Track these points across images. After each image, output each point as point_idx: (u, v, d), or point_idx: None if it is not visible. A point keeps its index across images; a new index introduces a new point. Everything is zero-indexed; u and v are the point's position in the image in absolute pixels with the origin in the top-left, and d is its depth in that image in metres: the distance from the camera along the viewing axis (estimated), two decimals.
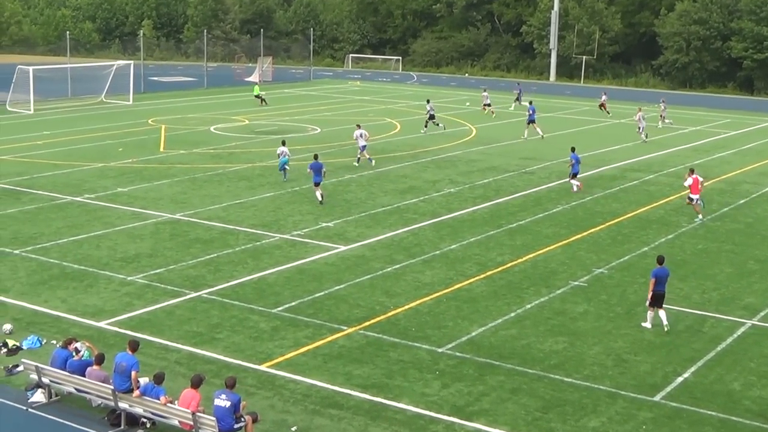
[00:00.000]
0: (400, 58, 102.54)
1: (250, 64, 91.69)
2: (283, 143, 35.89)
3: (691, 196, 30.59)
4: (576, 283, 23.62)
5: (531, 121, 48.65)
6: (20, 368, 16.96)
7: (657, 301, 20.23)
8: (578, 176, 35.03)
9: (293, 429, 15.26)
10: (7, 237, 26.42)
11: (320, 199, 31.37)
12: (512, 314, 21.14)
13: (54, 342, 18.20)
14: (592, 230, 29.18)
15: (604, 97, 62.17)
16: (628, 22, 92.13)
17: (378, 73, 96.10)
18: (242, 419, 14.44)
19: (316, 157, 32.66)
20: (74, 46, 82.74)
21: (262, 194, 32.99)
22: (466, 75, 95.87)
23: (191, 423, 14.41)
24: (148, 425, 15.27)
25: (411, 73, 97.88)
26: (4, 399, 16.16)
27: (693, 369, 18.24)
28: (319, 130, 50.34)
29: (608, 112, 60.68)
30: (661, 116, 55.51)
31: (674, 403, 16.66)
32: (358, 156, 38.77)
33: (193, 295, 21.82)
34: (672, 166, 41.26)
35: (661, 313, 20.21)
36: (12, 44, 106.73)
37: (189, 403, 14.52)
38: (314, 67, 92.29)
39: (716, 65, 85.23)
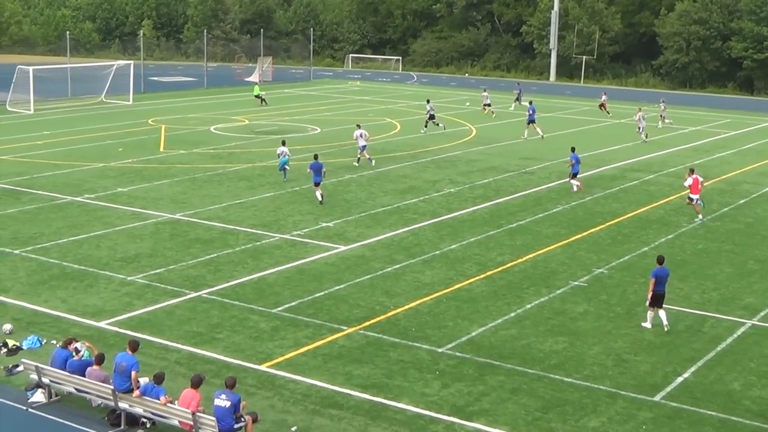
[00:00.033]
0: (400, 58, 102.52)
1: (250, 64, 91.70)
2: (283, 143, 35.90)
3: (691, 196, 30.61)
4: (576, 283, 23.62)
5: (531, 121, 48.64)
6: (20, 368, 16.96)
7: (657, 301, 20.23)
8: (578, 176, 35.03)
9: (293, 429, 15.26)
10: (7, 237, 26.42)
11: (320, 199, 31.37)
12: (512, 314, 21.14)
13: (54, 342, 18.19)
14: (592, 230, 29.17)
15: (604, 97, 62.16)
16: (628, 22, 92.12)
17: (378, 73, 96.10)
18: (242, 419, 14.44)
19: (316, 157, 32.66)
20: (74, 46, 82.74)
21: (262, 194, 32.99)
22: (466, 75, 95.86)
23: (191, 423, 14.41)
24: (148, 425, 15.26)
25: (411, 73, 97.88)
26: (4, 399, 16.15)
27: (693, 369, 18.24)
28: (319, 130, 50.34)
29: (608, 112, 60.67)
30: (661, 116, 55.52)
31: (674, 403, 16.66)
32: (358, 156, 38.77)
33: (193, 295, 21.81)
34: (672, 166, 41.25)
35: (661, 313, 20.21)
36: (12, 44, 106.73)
37: (189, 403, 14.52)
38: (314, 67, 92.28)
39: (716, 65, 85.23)
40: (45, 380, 16.02)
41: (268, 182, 35.11)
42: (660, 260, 20.67)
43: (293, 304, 21.32)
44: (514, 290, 22.92)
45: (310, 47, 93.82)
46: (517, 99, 63.13)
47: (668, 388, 17.28)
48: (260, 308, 20.97)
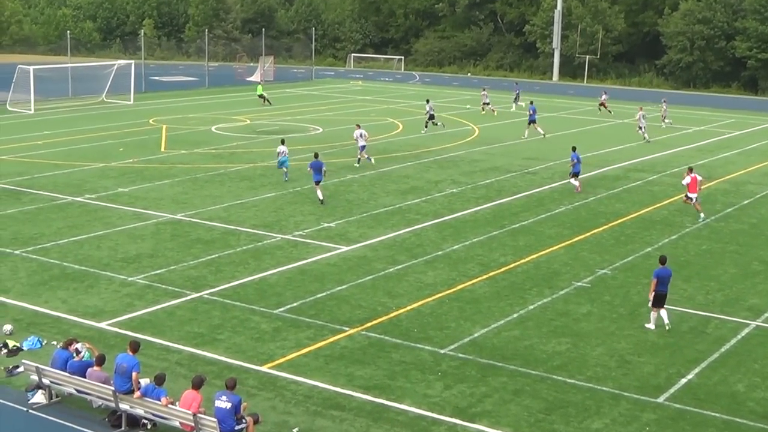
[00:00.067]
0: (403, 57, 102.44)
1: (252, 64, 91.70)
2: (282, 142, 35.82)
3: (689, 194, 30.62)
4: (579, 283, 23.52)
5: (532, 121, 48.55)
6: (21, 369, 16.91)
7: (659, 302, 20.14)
8: (580, 176, 34.90)
9: (295, 430, 15.18)
10: (8, 237, 26.35)
11: (321, 198, 31.29)
12: (515, 315, 21.05)
13: (54, 343, 18.13)
14: (595, 231, 29.07)
15: (604, 96, 62.01)
16: (632, 22, 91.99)
17: (380, 73, 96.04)
18: (243, 420, 14.38)
19: (316, 155, 32.60)
20: (75, 45, 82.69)
21: (263, 194, 32.91)
22: (469, 75, 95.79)
23: (192, 424, 14.35)
24: (149, 426, 15.20)
25: (413, 72, 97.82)
26: (4, 400, 16.09)
27: (697, 370, 18.14)
28: (320, 129, 50.27)
29: (610, 111, 60.54)
30: (662, 117, 55.40)
31: (678, 405, 16.56)
32: (359, 156, 38.68)
33: (195, 295, 21.74)
34: (676, 166, 41.12)
35: (663, 313, 20.13)
36: (12, 44, 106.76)
37: (190, 405, 14.46)
38: (316, 67, 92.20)
39: (720, 65, 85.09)
40: (45, 381, 15.96)
41: (270, 182, 35.04)
42: (662, 260, 20.57)
43: (295, 304, 21.24)
44: (516, 291, 22.82)
45: (312, 47, 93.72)
46: (515, 100, 62.78)
47: (672, 390, 17.19)
48: (262, 309, 20.89)
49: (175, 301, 21.32)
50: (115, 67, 64.39)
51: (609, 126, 56.14)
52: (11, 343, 18.31)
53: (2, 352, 18.00)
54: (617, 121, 57.93)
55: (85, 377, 15.56)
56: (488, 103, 59.44)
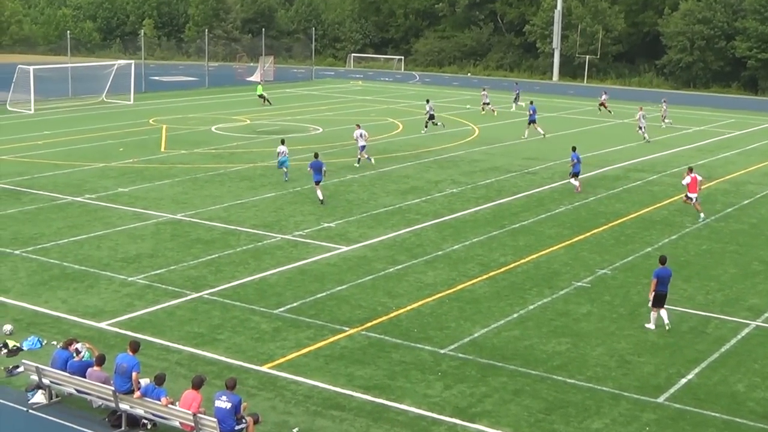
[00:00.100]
0: (403, 57, 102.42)
1: (252, 64, 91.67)
2: (282, 142, 35.82)
3: (689, 194, 30.64)
4: (579, 284, 23.52)
5: (532, 121, 48.55)
6: (21, 369, 16.90)
7: (659, 302, 20.13)
8: (580, 176, 34.90)
9: (295, 430, 15.18)
10: (8, 237, 26.35)
11: (321, 198, 31.28)
12: (515, 315, 21.04)
13: (54, 343, 18.12)
14: (595, 231, 29.07)
15: (604, 96, 61.99)
16: (632, 22, 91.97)
17: (380, 73, 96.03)
18: (243, 420, 14.37)
19: (316, 155, 32.61)
20: (75, 45, 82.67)
21: (263, 194, 32.91)
22: (469, 75, 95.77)
23: (192, 424, 14.34)
24: (149, 426, 15.19)
25: (413, 72, 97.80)
26: (4, 400, 16.08)
27: (697, 370, 18.14)
28: (320, 129, 50.26)
29: (610, 111, 60.52)
30: (662, 116, 55.40)
31: (678, 405, 16.56)
32: (359, 156, 38.67)
33: (195, 295, 21.73)
34: (676, 166, 41.10)
35: (663, 313, 20.12)
36: (12, 44, 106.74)
37: (190, 405, 14.46)
38: (316, 67, 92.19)
39: (720, 65, 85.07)
40: (45, 381, 15.96)
41: (270, 182, 35.03)
42: (662, 260, 20.56)
43: (295, 304, 21.24)
44: (516, 291, 22.82)
45: (312, 47, 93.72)
46: (515, 100, 62.73)
47: (672, 390, 17.19)
48: (262, 309, 20.89)
49: (175, 301, 21.32)
50: (115, 67, 64.38)
51: (609, 126, 56.13)
52: (11, 343, 18.30)
53: (2, 352, 17.99)
54: (617, 121, 57.93)
55: (85, 377, 15.56)
56: (488, 103, 59.43)
